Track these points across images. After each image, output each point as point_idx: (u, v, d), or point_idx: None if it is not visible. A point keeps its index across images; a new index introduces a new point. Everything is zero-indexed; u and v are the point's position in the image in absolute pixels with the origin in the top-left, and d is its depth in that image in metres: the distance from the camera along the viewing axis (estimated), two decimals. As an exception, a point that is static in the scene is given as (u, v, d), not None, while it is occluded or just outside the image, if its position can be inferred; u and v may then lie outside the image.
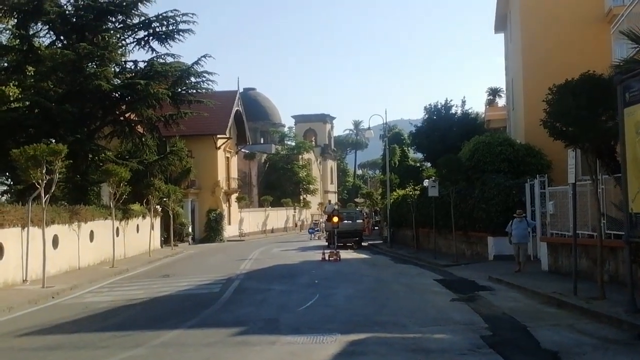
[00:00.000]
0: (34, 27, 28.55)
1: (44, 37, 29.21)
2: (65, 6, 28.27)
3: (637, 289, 10.45)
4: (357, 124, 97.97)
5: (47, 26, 28.23)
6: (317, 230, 46.04)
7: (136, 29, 30.20)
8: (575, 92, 11.18)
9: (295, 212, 64.84)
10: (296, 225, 63.64)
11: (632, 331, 9.00)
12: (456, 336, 9.14)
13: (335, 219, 27.07)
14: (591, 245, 14.11)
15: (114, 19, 29.51)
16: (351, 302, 13.07)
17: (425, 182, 27.97)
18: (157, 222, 32.55)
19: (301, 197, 66.92)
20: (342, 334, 9.40)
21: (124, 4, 28.72)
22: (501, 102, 36.71)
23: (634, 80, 9.80)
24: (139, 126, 31.18)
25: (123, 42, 30.45)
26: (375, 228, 46.41)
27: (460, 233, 23.56)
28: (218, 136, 43.08)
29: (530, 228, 18.54)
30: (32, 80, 27.87)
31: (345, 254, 26.75)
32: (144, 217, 29.60)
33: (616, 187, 12.46)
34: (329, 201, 65.70)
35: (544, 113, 12.07)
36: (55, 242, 19.62)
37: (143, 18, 29.83)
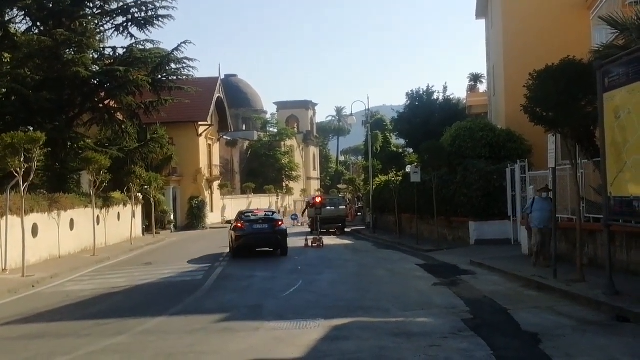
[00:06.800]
0: (10, 13, 27.93)
1: (20, 23, 28.63)
2: (41, -9, 27.70)
3: (615, 271, 10.63)
4: (339, 110, 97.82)
5: (23, 12, 27.65)
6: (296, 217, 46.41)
7: (114, 15, 29.73)
8: (555, 78, 11.24)
9: (277, 198, 64.77)
10: (279, 212, 63.59)
11: (610, 313, 9.16)
12: (438, 320, 9.23)
13: (319, 199, 27.48)
14: (571, 229, 14.30)
15: (91, 5, 29.00)
16: (334, 288, 13.12)
17: (408, 168, 28.09)
18: (139, 210, 32.30)
19: (284, 184, 66.84)
20: (326, 319, 9.44)
21: (101, -11, 28.28)
22: (482, 87, 36.84)
23: (613, 66, 9.89)
24: (118, 113, 30.78)
25: (101, 28, 29.97)
26: (358, 214, 46.58)
27: (442, 218, 23.71)
28: (199, 123, 42.73)
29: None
30: (8, 67, 27.30)
31: (328, 240, 26.82)
32: (125, 205, 29.34)
33: (595, 171, 12.61)
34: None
35: (525, 98, 12.13)
36: (34, 230, 19.38)
37: (121, 3, 29.36)
